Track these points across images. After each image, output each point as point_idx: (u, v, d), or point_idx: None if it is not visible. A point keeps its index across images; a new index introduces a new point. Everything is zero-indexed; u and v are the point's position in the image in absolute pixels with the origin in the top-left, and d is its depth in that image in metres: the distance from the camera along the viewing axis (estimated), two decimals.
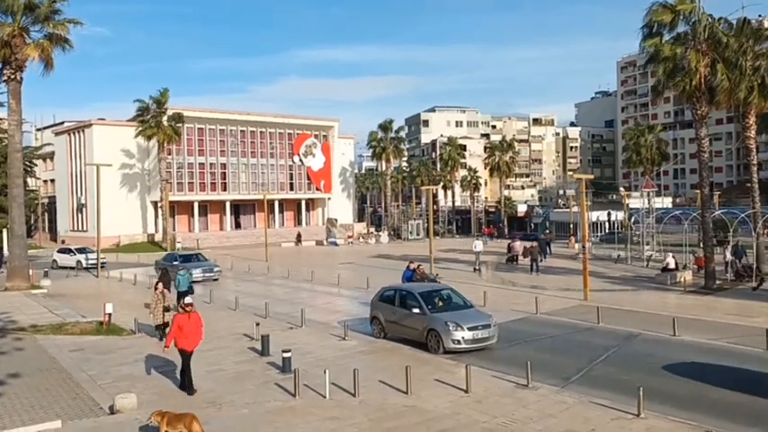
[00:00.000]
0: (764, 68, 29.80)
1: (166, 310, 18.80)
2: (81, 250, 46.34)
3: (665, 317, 21.37)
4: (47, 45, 30.49)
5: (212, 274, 36.61)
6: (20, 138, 32.20)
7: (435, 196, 79.00)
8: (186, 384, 13.78)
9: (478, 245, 42.28)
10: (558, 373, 15.06)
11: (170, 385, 14.42)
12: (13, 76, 30.64)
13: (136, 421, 11.78)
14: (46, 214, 78.56)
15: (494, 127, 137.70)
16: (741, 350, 17.23)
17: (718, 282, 29.75)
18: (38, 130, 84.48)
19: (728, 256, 31.88)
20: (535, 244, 41.01)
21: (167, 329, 18.38)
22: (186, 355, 13.70)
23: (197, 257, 39.34)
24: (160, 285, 19.46)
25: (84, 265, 43.67)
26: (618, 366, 15.81)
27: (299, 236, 68.12)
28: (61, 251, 47.23)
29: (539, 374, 14.27)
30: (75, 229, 69.46)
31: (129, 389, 13.61)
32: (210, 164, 72.02)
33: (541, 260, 41.99)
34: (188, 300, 14.08)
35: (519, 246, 43.88)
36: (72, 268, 43.20)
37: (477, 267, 38.95)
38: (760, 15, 73.34)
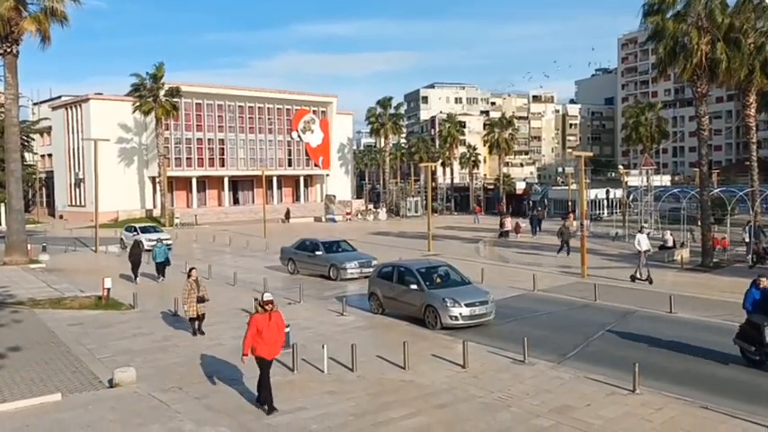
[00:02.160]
0: None
1: (201, 300, 16.81)
2: (145, 229, 41.97)
3: (661, 294, 21.47)
4: (43, 19, 30.17)
5: (371, 270, 24.84)
6: (17, 112, 32.01)
7: (434, 173, 78.76)
8: (263, 400, 11.21)
9: (643, 242, 26.35)
10: (554, 349, 15.17)
11: (169, 359, 14.51)
12: (9, 50, 30.37)
13: (135, 395, 11.88)
14: (44, 189, 78.40)
15: (493, 104, 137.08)
16: (736, 327, 17.29)
17: (715, 260, 29.87)
18: (35, 104, 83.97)
19: (747, 237, 30.89)
20: (567, 223, 36.77)
21: (199, 323, 16.93)
22: (266, 365, 11.18)
23: (340, 246, 29.08)
24: (194, 272, 17.19)
25: (146, 247, 36.46)
26: (614, 343, 15.93)
27: (287, 212, 67.11)
28: (128, 229, 42.52)
29: (535, 350, 14.38)
30: (73, 204, 69.34)
31: (128, 363, 13.69)
32: (209, 139, 71.65)
33: (535, 233, 45.52)
34: (268, 296, 11.37)
35: (509, 222, 46.56)
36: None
37: (641, 276, 25.41)
38: None
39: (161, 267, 26.13)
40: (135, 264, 25.85)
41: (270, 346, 11.15)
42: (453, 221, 63.75)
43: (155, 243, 35.92)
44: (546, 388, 12.17)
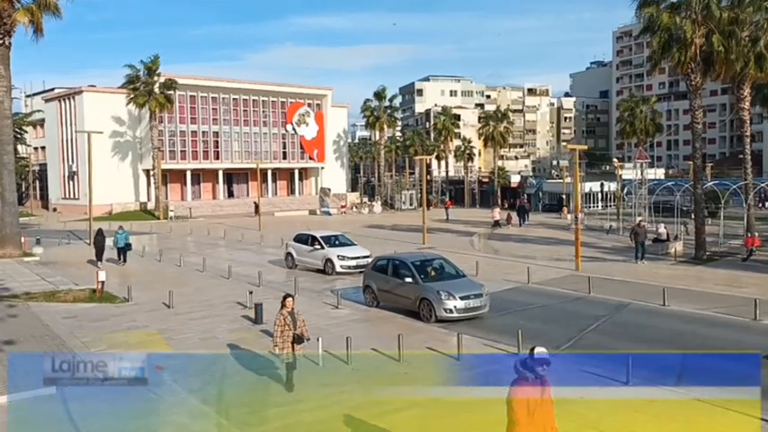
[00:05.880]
0: (763, 41, 29.58)
1: (299, 340, 11.76)
2: (328, 240, 27.71)
3: (655, 287, 21.53)
4: (36, 10, 29.99)
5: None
6: (9, 104, 31.90)
7: (429, 166, 78.56)
8: None
9: None
10: (548, 342, 15.12)
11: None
12: (1, 42, 30.18)
13: None
14: (37, 182, 78.06)
15: (488, 97, 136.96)
16: (729, 320, 17.44)
17: (707, 252, 29.99)
18: (27, 96, 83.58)
19: None
20: (642, 223, 31.34)
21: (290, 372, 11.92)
22: None
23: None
24: (289, 301, 11.95)
25: (338, 269, 25.92)
26: (607, 335, 16.00)
27: (256, 206, 61.06)
28: (301, 240, 28.68)
29: (529, 343, 14.32)
30: (67, 196, 69.11)
31: None
32: (203, 132, 71.37)
33: (522, 224, 48.62)
34: (542, 352, 7.27)
35: (497, 213, 49.79)
36: (322, 272, 26.54)
37: None
38: None
39: (121, 252, 29.29)
40: (99, 250, 28.97)
41: None
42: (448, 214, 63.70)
43: (354, 263, 25.96)
44: None
